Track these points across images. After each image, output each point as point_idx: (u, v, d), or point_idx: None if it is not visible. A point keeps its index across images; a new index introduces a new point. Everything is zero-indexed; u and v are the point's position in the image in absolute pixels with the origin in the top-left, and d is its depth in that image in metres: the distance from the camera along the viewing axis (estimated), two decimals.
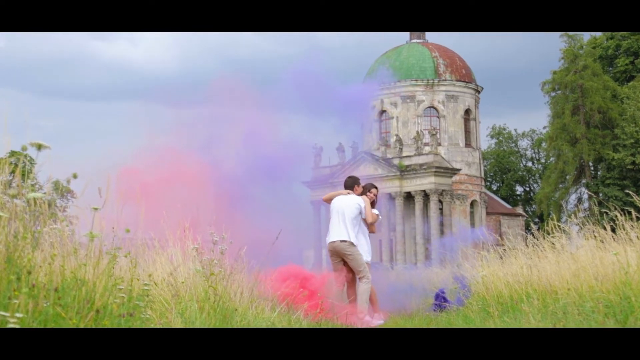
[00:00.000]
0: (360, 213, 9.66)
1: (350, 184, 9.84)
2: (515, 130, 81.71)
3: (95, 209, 4.83)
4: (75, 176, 4.94)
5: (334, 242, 9.70)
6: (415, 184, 58.59)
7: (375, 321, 9.55)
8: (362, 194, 9.83)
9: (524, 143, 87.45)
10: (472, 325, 7.67)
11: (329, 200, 9.77)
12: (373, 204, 9.84)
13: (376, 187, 9.89)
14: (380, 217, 9.91)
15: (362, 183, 9.97)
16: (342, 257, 9.64)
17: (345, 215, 9.71)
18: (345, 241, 9.67)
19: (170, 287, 6.98)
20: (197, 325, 5.80)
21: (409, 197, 59.22)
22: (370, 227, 9.76)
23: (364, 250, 9.64)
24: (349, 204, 9.78)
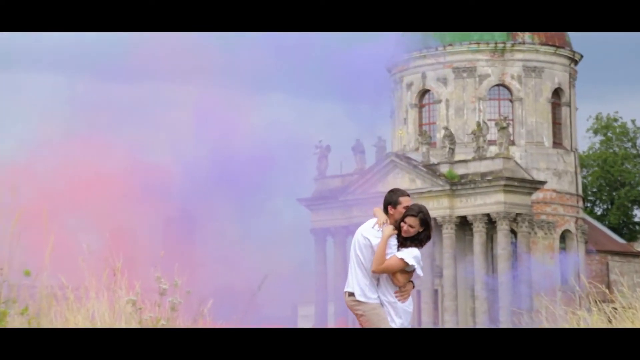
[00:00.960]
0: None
1: (385, 202, 9.79)
2: (633, 122, 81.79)
3: None
4: None
5: (345, 293, 9.75)
6: (473, 205, 58.65)
7: None
8: (401, 219, 9.72)
9: None
10: None
11: None
12: (408, 241, 9.66)
13: (418, 213, 9.60)
14: (412, 264, 9.61)
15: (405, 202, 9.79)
16: None
17: (356, 255, 9.68)
18: (352, 294, 9.65)
19: None
20: None
21: (463, 224, 59.24)
22: (395, 278, 9.63)
23: (395, 309, 9.56)
24: (363, 237, 9.72)
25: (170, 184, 17.07)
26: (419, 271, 9.38)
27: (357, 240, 9.65)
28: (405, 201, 9.56)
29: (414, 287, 9.39)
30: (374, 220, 9.68)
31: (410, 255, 9.35)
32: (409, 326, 9.46)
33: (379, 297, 9.58)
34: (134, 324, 7.06)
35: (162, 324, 6.67)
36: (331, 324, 57.70)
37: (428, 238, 9.40)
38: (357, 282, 9.56)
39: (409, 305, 9.41)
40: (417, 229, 9.38)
